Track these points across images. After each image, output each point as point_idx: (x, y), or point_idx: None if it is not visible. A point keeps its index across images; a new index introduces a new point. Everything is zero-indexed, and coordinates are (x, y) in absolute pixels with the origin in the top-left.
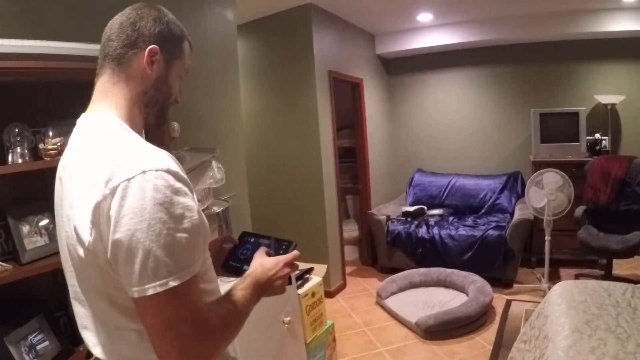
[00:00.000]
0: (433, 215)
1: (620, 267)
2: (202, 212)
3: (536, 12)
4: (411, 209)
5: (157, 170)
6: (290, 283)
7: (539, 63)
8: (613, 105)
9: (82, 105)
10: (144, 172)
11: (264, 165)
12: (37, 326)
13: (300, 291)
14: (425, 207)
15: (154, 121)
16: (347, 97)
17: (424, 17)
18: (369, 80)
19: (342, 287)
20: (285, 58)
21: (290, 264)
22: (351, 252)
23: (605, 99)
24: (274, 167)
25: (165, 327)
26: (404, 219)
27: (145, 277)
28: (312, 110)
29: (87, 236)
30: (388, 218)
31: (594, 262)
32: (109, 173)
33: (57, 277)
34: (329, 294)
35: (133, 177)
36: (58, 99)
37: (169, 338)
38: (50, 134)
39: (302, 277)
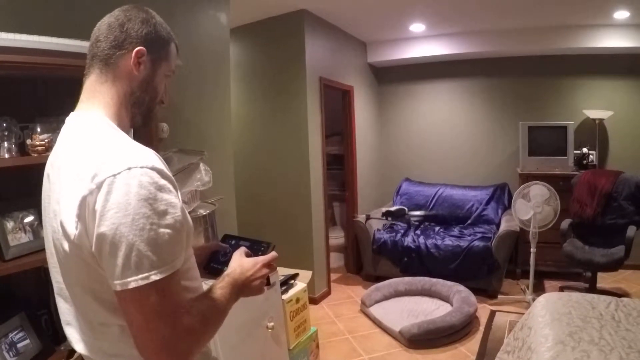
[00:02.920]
0: (414, 216)
1: (604, 280)
2: (185, 210)
3: (528, 26)
4: (392, 208)
5: (142, 167)
6: (268, 284)
7: (529, 76)
8: (601, 120)
9: (71, 102)
10: (129, 168)
11: (251, 169)
12: (19, 324)
13: (285, 297)
14: (406, 208)
15: (140, 121)
16: (337, 104)
17: (417, 27)
18: (359, 88)
19: (327, 294)
20: (277, 63)
21: (269, 265)
22: (337, 259)
23: (593, 113)
24: (261, 171)
25: (146, 321)
26: (383, 218)
27: (127, 270)
28: (302, 116)
29: (72, 230)
30: (368, 217)
31: (579, 275)
32: (95, 168)
33: (40, 274)
34: (314, 301)
35: (119, 173)
36: (47, 94)
37: (149, 331)
38: (39, 129)
39: (287, 283)
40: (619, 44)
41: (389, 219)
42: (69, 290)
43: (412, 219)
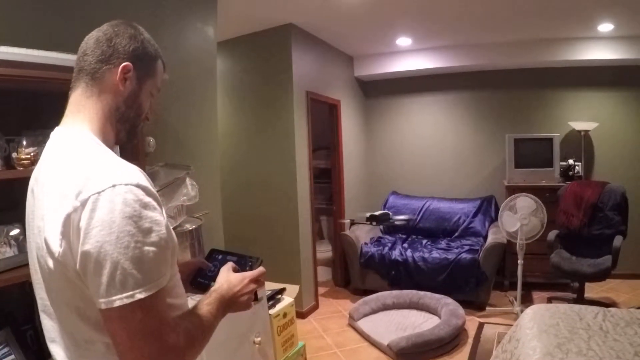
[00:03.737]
0: (399, 220)
1: (592, 290)
2: (170, 227)
3: (514, 39)
4: (376, 213)
5: (127, 185)
6: (256, 299)
7: (514, 89)
8: (587, 131)
9: (58, 116)
10: (114, 185)
11: (238, 183)
12: (3, 339)
13: (272, 311)
14: (390, 213)
15: (124, 137)
16: (324, 118)
17: (403, 41)
18: (346, 101)
19: (315, 308)
20: (264, 77)
21: (256, 280)
22: (324, 273)
23: (579, 125)
24: (248, 186)
25: (132, 339)
26: (368, 223)
27: (112, 289)
28: (289, 130)
29: (57, 247)
30: (352, 222)
31: (567, 286)
32: (80, 186)
33: (25, 289)
34: (301, 315)
35: (103, 191)
36: (34, 107)
37: (135, 350)
38: (24, 143)
39: (274, 298)
40: (603, 56)
41: (373, 223)
42: (53, 307)
43: (396, 222)
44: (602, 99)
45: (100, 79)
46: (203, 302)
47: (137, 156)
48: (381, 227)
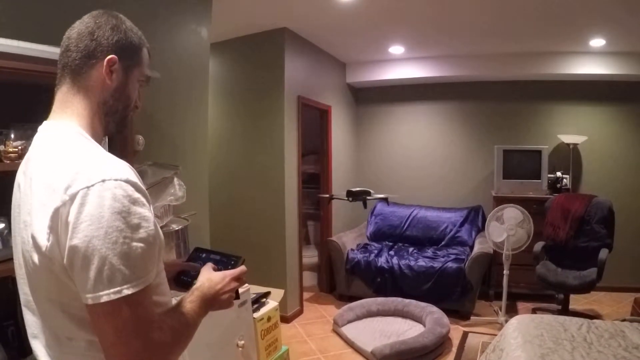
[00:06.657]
0: (376, 199)
1: (577, 302)
2: (157, 224)
3: (505, 51)
4: (354, 189)
5: (116, 180)
6: (237, 298)
7: (505, 101)
8: (575, 145)
9: (47, 109)
10: (103, 180)
11: (226, 186)
12: None
13: (256, 315)
14: (371, 191)
15: (114, 129)
16: (315, 122)
17: (396, 49)
18: (337, 107)
19: (299, 312)
20: (256, 80)
21: (238, 278)
22: (310, 278)
23: (568, 138)
24: (236, 188)
25: (118, 335)
26: (347, 199)
27: (100, 284)
28: (279, 134)
29: (44, 241)
30: (332, 197)
31: (552, 297)
32: (69, 180)
33: (7, 284)
34: (285, 319)
35: (92, 185)
36: (23, 101)
37: (120, 346)
38: (12, 136)
39: (259, 301)
40: (594, 70)
41: (350, 199)
42: (36, 303)
43: (373, 199)
44: (592, 113)
45: (86, 74)
46: (186, 300)
47: (126, 154)
48: (368, 233)
